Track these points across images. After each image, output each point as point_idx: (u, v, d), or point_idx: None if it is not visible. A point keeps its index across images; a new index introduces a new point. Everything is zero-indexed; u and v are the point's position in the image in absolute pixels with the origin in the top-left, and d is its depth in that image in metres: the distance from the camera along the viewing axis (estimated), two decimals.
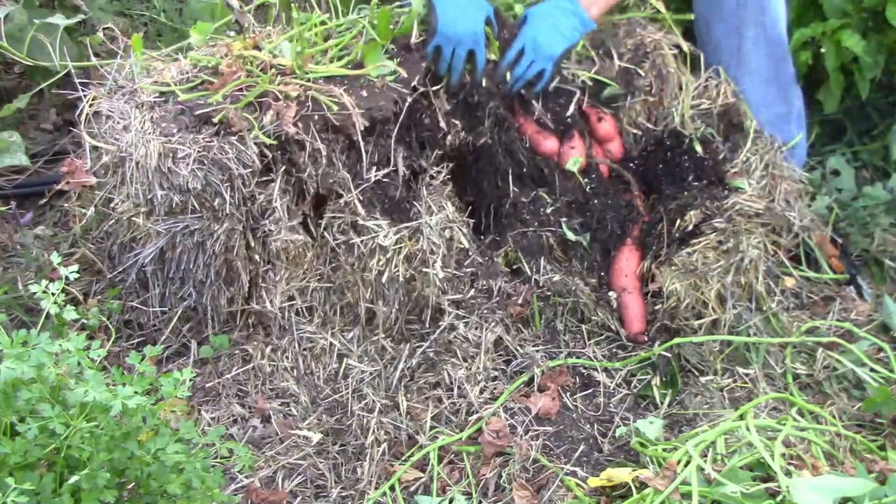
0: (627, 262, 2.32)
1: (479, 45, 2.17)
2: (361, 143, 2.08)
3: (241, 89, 2.07)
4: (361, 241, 2.11)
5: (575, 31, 2.27)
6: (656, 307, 2.25)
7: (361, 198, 2.13)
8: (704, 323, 2.22)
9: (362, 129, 2.07)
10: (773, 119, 2.49)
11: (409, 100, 2.14)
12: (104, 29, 2.33)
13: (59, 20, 2.59)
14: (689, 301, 2.21)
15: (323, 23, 2.20)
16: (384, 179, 2.16)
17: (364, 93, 2.11)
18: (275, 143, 2.01)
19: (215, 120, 2.00)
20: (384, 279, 2.13)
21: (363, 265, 2.14)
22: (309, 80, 2.10)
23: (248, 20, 2.22)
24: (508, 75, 2.28)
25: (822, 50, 2.56)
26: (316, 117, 2.04)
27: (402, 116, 2.13)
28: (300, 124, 2.03)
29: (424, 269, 2.15)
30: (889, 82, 2.82)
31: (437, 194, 2.21)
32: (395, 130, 2.13)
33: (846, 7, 2.57)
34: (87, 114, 2.12)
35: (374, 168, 2.14)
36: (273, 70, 2.09)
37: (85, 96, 2.14)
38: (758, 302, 2.27)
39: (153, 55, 2.27)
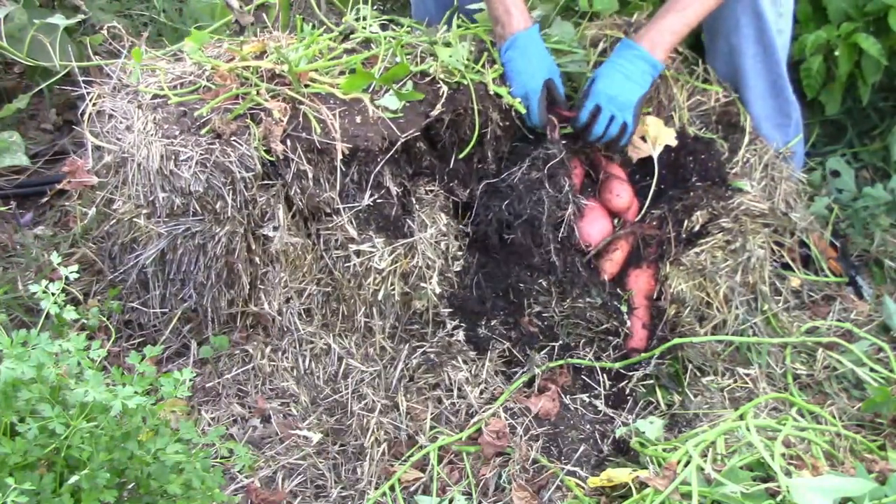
0: (637, 280, 2.30)
1: (532, 102, 2.18)
2: (342, 170, 2.06)
3: (237, 97, 2.06)
4: (358, 262, 2.11)
5: (646, 76, 2.21)
6: (657, 319, 2.24)
7: (356, 218, 2.11)
8: (708, 325, 2.22)
9: (345, 153, 2.04)
10: (770, 131, 2.50)
11: (399, 144, 2.10)
12: (108, 27, 2.32)
13: (59, 20, 2.60)
14: (693, 304, 2.21)
15: (330, 29, 2.17)
16: (378, 200, 2.15)
17: (358, 119, 2.08)
18: (270, 158, 2.01)
19: (203, 132, 2.00)
20: (380, 296, 2.13)
21: (359, 283, 2.14)
22: (305, 95, 2.07)
23: (249, 20, 2.22)
24: (589, 135, 2.23)
25: (836, 53, 2.56)
26: (303, 136, 2.03)
27: (388, 154, 2.10)
28: (288, 142, 2.02)
29: (422, 285, 2.15)
30: (889, 84, 2.82)
31: (430, 207, 2.20)
32: (380, 165, 2.11)
33: (850, 11, 2.57)
34: (90, 113, 2.12)
35: (368, 193, 2.12)
36: (275, 80, 2.07)
37: (88, 94, 2.14)
38: (760, 301, 2.27)
39: (157, 54, 2.26)
